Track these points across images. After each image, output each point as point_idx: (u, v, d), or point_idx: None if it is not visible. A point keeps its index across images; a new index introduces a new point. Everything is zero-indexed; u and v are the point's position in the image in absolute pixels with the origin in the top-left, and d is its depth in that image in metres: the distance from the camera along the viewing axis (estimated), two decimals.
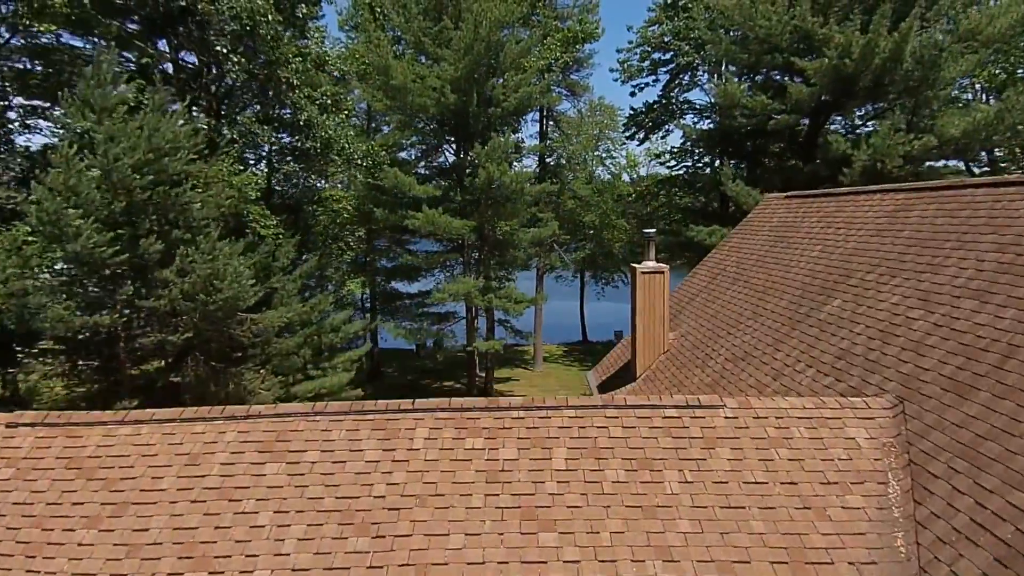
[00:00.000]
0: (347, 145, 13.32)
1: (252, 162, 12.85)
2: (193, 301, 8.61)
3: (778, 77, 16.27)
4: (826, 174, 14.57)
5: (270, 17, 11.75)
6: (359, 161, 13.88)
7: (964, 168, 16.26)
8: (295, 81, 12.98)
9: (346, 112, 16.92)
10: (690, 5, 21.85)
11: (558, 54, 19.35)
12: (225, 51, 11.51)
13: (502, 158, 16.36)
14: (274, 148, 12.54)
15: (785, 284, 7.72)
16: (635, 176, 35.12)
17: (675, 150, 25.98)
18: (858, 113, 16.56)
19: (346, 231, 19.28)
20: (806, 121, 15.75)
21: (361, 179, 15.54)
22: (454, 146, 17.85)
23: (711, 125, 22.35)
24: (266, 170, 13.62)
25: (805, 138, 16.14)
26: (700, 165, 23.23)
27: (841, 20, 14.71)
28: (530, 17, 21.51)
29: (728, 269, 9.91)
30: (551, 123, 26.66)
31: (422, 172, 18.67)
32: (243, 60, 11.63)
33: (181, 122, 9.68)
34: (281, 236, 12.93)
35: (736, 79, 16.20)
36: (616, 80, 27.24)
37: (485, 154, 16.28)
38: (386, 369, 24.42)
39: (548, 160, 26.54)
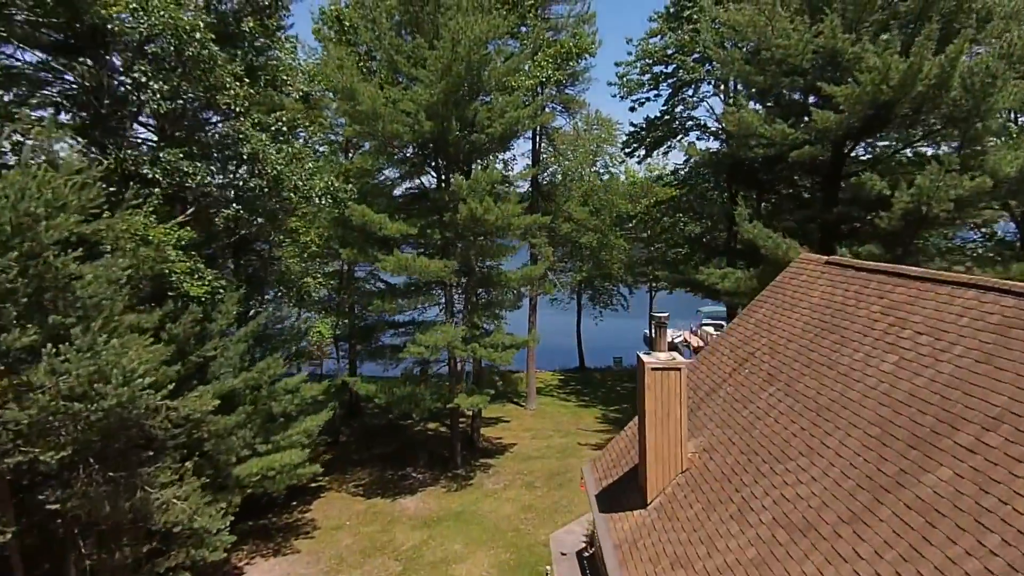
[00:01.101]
0: (300, 182, 11.32)
1: (189, 205, 10.81)
2: (69, 408, 6.60)
3: (798, 96, 14.40)
4: (858, 215, 12.71)
5: (199, 35, 9.76)
6: (317, 199, 11.88)
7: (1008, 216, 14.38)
8: (238, 107, 10.99)
9: (305, 139, 14.94)
10: (695, 16, 20.06)
11: (550, 72, 17.45)
12: (144, 78, 9.52)
13: (486, 191, 14.41)
14: (208, 187, 10.49)
15: (850, 410, 5.73)
16: (634, 191, 33.36)
17: (678, 171, 24.18)
18: (882, 137, 14.71)
19: (315, 264, 17.23)
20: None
21: (325, 215, 13.51)
22: (434, 173, 15.87)
23: (719, 146, 20.55)
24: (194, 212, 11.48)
25: (829, 169, 14.28)
26: (707, 187, 21.40)
27: (874, 37, 12.88)
28: (519, 29, 19.65)
29: (759, 354, 7.96)
30: (544, 140, 24.77)
31: (399, 197, 16.69)
32: (165, 87, 9.63)
33: (78, 170, 7.69)
34: (222, 291, 10.91)
35: (750, 103, 14.30)
36: (614, 96, 24.90)
37: (467, 187, 14.33)
38: (366, 405, 22.34)
39: (542, 180, 24.64)
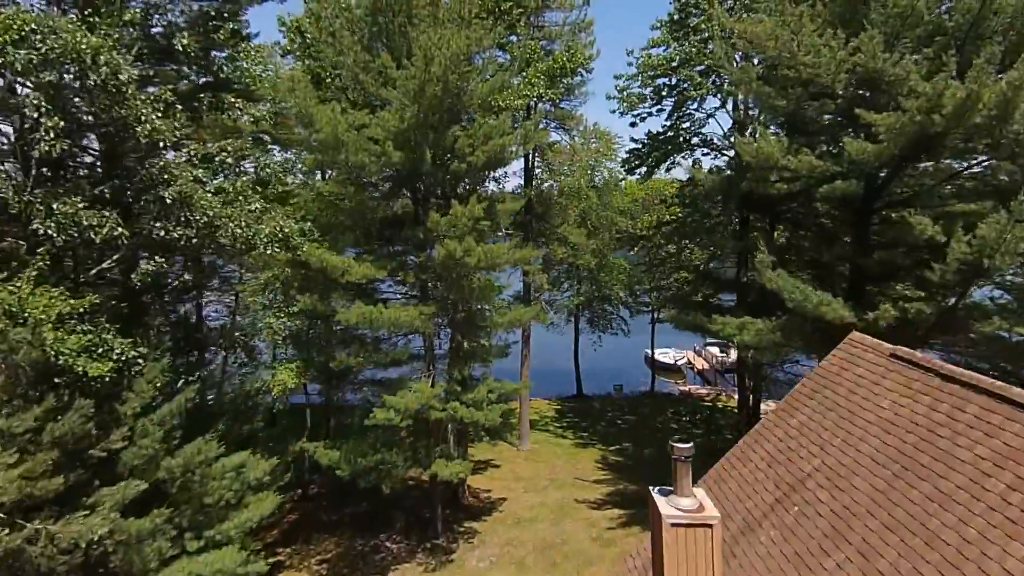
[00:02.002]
0: (240, 229, 9.40)
1: (92, 264, 8.88)
2: None
3: (828, 122, 12.53)
4: (902, 263, 10.86)
5: (103, 59, 7.86)
6: (263, 248, 9.95)
7: None
8: (163, 141, 9.08)
9: (259, 168, 13.04)
10: (703, 26, 18.26)
11: (542, 90, 15.58)
12: (37, 113, 7.64)
13: (467, 229, 12.51)
14: (119, 239, 8.54)
15: None
16: (635, 208, 31.49)
17: (683, 190, 22.31)
18: (924, 172, 12.86)
19: (278, 303, 15.28)
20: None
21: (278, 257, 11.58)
22: (411, 203, 13.96)
23: (727, 162, 18.72)
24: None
25: (860, 203, 12.42)
26: (715, 214, 19.58)
27: (918, 55, 11.05)
28: (508, 39, 17.79)
29: (812, 484, 5.89)
30: (538, 157, 22.92)
31: (379, 222, 14.73)
32: (60, 122, 7.74)
33: None
34: (140, 362, 8.98)
35: (768, 128, 12.42)
36: (614, 112, 23.11)
37: (445, 224, 12.42)
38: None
39: (535, 200, 22.75)
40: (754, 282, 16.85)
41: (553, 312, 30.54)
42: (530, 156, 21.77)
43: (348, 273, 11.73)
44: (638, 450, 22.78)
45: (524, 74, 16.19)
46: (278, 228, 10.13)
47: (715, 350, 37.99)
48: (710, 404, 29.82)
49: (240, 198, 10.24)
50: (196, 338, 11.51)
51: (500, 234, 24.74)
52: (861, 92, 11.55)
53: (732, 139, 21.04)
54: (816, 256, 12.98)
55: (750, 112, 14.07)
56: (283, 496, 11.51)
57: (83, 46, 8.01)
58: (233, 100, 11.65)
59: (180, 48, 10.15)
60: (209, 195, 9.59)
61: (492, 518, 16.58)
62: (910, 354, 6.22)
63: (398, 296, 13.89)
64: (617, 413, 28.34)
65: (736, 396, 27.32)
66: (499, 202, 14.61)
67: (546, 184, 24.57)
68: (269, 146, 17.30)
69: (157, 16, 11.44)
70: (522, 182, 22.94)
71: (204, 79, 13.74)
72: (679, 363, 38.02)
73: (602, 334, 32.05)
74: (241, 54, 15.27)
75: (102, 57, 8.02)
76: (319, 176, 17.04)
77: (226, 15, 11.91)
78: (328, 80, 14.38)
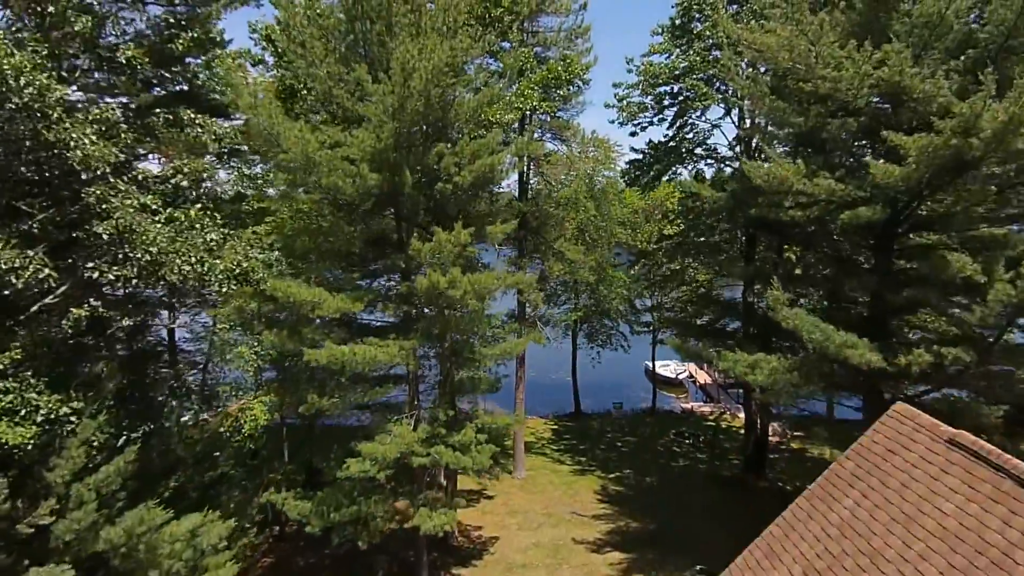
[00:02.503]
0: (189, 266, 8.29)
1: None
2: None
3: (848, 141, 11.44)
4: (935, 302, 9.77)
5: (24, 80, 6.78)
6: (218, 285, 8.84)
7: None
8: (102, 168, 7.98)
9: (232, 183, 11.92)
10: (707, 33, 17.20)
11: (536, 102, 14.49)
12: None
13: (452, 257, 11.40)
14: (45, 281, 7.43)
15: None
16: (635, 219, 30.41)
17: (685, 208, 21.22)
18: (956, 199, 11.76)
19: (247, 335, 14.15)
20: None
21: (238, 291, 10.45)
22: (394, 226, 12.83)
23: (735, 183, 17.59)
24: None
25: (882, 229, 11.34)
26: (720, 229, 18.48)
27: (947, 70, 9.97)
28: (499, 46, 16.67)
29: None
30: (533, 168, 21.81)
31: (359, 247, 13.61)
32: None
33: None
34: (72, 421, 7.86)
35: (779, 148, 11.33)
36: (613, 122, 22.08)
37: (428, 252, 11.31)
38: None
39: (529, 215, 21.64)
40: (761, 308, 15.82)
41: (550, 327, 29.45)
42: (525, 168, 20.69)
43: (320, 308, 10.60)
44: (639, 478, 21.63)
45: (516, 85, 15.12)
46: (235, 263, 9.00)
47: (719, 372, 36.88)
48: (713, 423, 28.69)
49: (196, 227, 9.13)
50: (148, 382, 10.39)
51: (490, 249, 23.78)
52: (885, 108, 10.47)
53: (738, 149, 20.03)
54: (834, 287, 11.87)
55: (757, 122, 12.97)
56: (258, 538, 10.33)
57: (4, 66, 6.94)
58: (193, 116, 10.55)
59: (124, 61, 9.05)
60: (157, 226, 8.48)
61: (483, 562, 15.40)
62: (973, 443, 5.11)
63: (378, 323, 12.76)
64: (617, 434, 27.18)
65: (741, 415, 26.21)
66: (489, 222, 13.50)
67: (542, 196, 23.48)
68: (249, 156, 16.24)
69: (110, 25, 10.41)
70: (516, 194, 21.88)
71: (179, 87, 12.78)
72: (680, 377, 36.87)
73: (601, 349, 30.92)
74: (216, 62, 14.24)
75: (23, 78, 6.94)
76: (301, 190, 15.94)
77: (184, 23, 10.85)
78: (304, 92, 13.31)
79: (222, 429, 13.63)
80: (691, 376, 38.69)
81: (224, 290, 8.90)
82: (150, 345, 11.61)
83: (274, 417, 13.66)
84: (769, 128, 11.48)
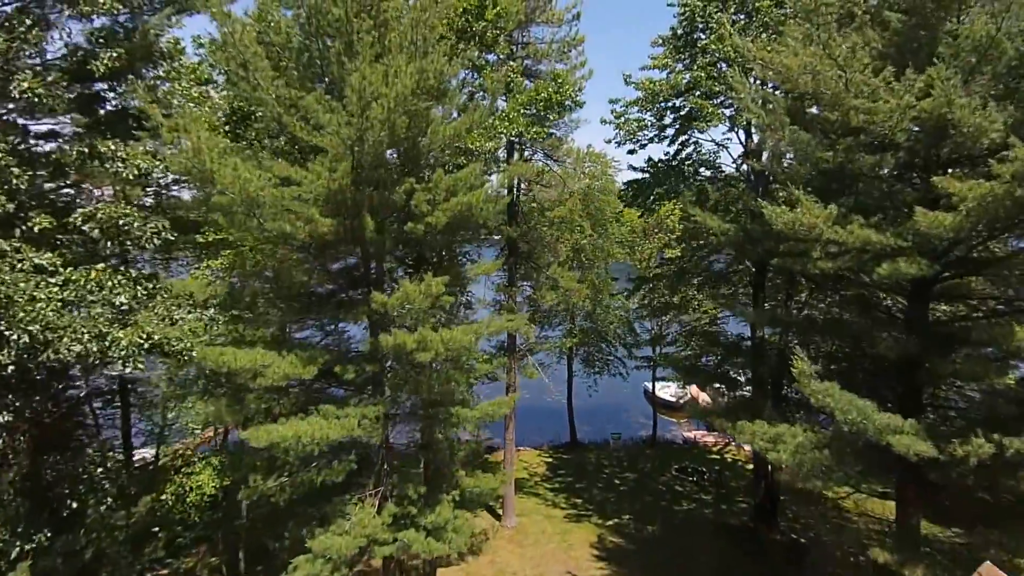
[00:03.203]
0: (80, 345, 6.68)
1: None
2: None
3: (885, 181, 9.86)
4: (991, 376, 8.19)
5: None
6: (122, 365, 7.24)
7: None
8: None
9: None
10: (712, 47, 15.71)
11: (522, 127, 12.94)
12: None
13: (422, 311, 9.81)
14: None
15: None
16: (633, 239, 28.90)
17: (688, 235, 19.69)
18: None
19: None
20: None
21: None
22: (355, 268, 11.21)
23: (746, 216, 16.08)
24: None
25: (913, 289, 9.78)
26: (730, 264, 16.95)
27: (999, 100, 8.46)
28: (484, 59, 15.07)
29: None
30: (524, 190, 20.25)
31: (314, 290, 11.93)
32: None
33: None
34: None
35: (798, 185, 9.74)
36: (609, 141, 20.55)
37: (395, 304, 9.71)
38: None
39: (518, 239, 20.07)
40: (772, 353, 14.26)
41: (544, 352, 27.82)
42: (515, 190, 19.14)
43: (263, 375, 8.95)
44: (639, 526, 19.93)
45: (504, 102, 13.57)
46: (146, 335, 7.37)
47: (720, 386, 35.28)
48: (718, 456, 27.06)
49: (102, 288, 7.53)
50: (60, 466, 8.71)
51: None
52: (926, 142, 8.93)
53: (744, 167, 18.53)
54: (858, 338, 10.27)
55: (772, 151, 11.47)
56: None
57: None
58: (111, 148, 8.96)
59: (16, 95, 7.49)
60: (48, 294, 6.88)
61: None
62: None
63: (337, 389, 11.11)
64: (615, 469, 25.47)
65: (747, 447, 24.62)
66: (469, 266, 11.92)
67: (533, 217, 21.91)
68: None
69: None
70: (506, 218, 20.30)
71: (131, 104, 11.31)
72: (682, 401, 35.25)
73: (598, 376, 29.25)
74: (172, 75, 12.73)
75: None
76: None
77: (126, 35, 9.33)
78: (258, 115, 11.75)
79: (164, 496, 11.94)
80: (695, 399, 37.09)
81: (130, 370, 7.26)
82: (65, 409, 9.95)
83: (223, 484, 11.99)
84: (788, 162, 9.94)
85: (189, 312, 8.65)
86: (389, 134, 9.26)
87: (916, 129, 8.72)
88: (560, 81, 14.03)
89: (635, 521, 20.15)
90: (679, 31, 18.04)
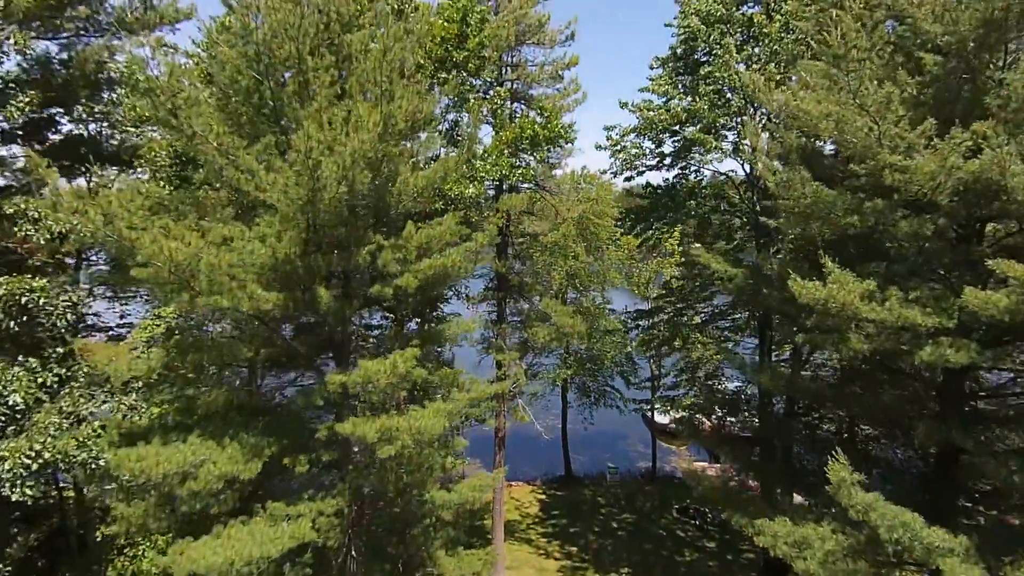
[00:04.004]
0: None
1: None
2: None
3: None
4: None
5: None
6: (8, 490, 5.87)
7: None
8: None
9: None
10: (716, 75, 14.46)
11: (505, 169, 11.65)
12: None
13: (389, 393, 8.47)
14: None
15: None
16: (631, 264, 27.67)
17: (688, 273, 18.46)
18: None
19: None
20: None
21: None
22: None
23: (751, 260, 14.83)
24: None
25: (943, 379, 8.50)
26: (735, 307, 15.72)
27: None
28: (470, 85, 13.73)
29: None
30: (512, 224, 18.96)
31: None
32: None
33: None
34: None
35: (828, 254, 8.44)
36: (605, 172, 19.33)
37: (357, 383, 8.37)
38: None
39: (508, 273, 18.77)
40: (779, 413, 12.99)
41: (537, 381, 26.45)
42: (505, 221, 17.84)
43: (195, 479, 7.59)
44: None
45: (496, 141, 12.28)
46: (35, 451, 6.01)
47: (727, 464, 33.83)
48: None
49: None
50: None
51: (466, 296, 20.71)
52: (971, 206, 7.68)
53: (750, 196, 17.31)
54: (893, 432, 8.99)
55: (781, 203, 10.14)
56: None
57: None
58: (22, 205, 7.62)
59: None
60: None
61: None
62: None
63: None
64: (613, 510, 24.09)
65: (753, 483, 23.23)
66: (446, 324, 10.59)
67: (524, 246, 20.62)
68: None
69: None
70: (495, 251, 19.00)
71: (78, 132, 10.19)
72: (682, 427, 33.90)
73: (594, 407, 27.87)
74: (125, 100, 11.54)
75: None
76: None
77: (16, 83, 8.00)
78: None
79: None
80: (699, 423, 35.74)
81: (16, 497, 5.88)
82: None
83: None
84: (809, 223, 8.64)
85: (105, 401, 7.29)
86: (349, 190, 7.95)
87: (962, 196, 7.47)
88: (547, 116, 12.72)
89: (641, 567, 18.80)
90: (678, 51, 16.87)
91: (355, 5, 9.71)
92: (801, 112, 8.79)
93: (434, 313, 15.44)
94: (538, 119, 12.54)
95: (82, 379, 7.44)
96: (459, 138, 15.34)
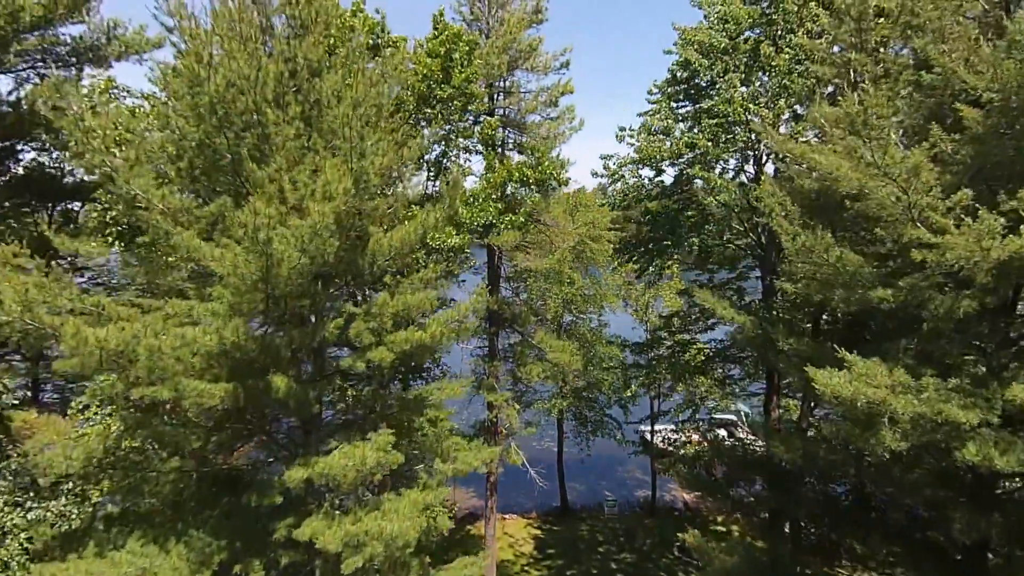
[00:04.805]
0: None
1: None
2: None
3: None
4: None
5: None
6: None
7: None
8: None
9: None
10: (718, 109, 13.56)
11: (493, 215, 10.71)
12: None
13: (353, 487, 7.48)
14: None
15: None
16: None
17: (687, 310, 17.58)
18: None
19: None
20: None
21: None
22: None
23: (761, 305, 13.93)
24: None
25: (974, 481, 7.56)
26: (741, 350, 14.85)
27: None
28: (453, 126, 12.71)
29: None
30: (504, 259, 18.06)
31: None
32: None
33: None
34: None
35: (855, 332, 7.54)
36: (603, 204, 18.47)
37: (320, 476, 7.38)
38: None
39: (500, 306, 17.81)
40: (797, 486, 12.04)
41: (530, 412, 25.44)
42: (495, 256, 16.91)
43: None
44: None
45: (485, 177, 11.36)
46: None
47: (723, 432, 32.82)
48: (723, 528, 24.74)
49: None
50: None
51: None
52: (1012, 284, 6.81)
53: (758, 232, 16.42)
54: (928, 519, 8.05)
55: (797, 266, 9.15)
56: None
57: None
58: None
59: None
60: None
61: None
62: None
63: None
64: (611, 548, 23.05)
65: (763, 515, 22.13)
66: (430, 389, 9.59)
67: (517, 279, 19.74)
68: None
69: None
70: (486, 282, 18.05)
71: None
72: (681, 452, 32.85)
73: (591, 437, 26.83)
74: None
75: None
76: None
77: None
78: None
79: None
80: (699, 445, 34.62)
81: None
82: None
83: None
84: (832, 290, 7.74)
85: (31, 508, 6.31)
86: (312, 261, 7.01)
87: (1002, 276, 6.58)
88: (538, 155, 11.81)
89: None
90: (678, 74, 16.00)
91: (327, 43, 8.81)
92: (816, 165, 7.93)
93: (419, 376, 14.41)
94: (529, 159, 11.58)
95: (9, 478, 6.44)
96: (446, 169, 14.47)
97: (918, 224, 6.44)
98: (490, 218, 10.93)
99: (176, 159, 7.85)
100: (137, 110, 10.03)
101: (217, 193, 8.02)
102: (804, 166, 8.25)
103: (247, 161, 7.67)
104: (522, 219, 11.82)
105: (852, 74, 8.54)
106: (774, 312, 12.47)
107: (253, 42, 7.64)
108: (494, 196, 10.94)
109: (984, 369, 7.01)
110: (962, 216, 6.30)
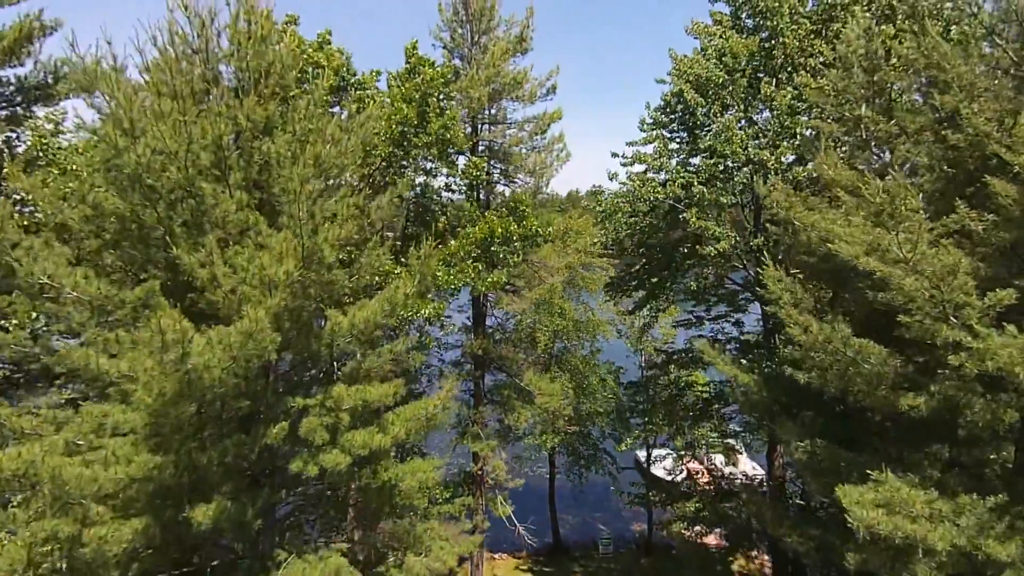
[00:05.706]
0: None
1: None
2: None
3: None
4: None
5: None
6: None
7: None
8: None
9: None
10: (717, 147, 12.69)
11: (472, 277, 9.74)
12: None
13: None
14: None
15: None
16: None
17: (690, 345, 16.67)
18: None
19: None
20: None
21: None
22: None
23: (765, 355, 13.05)
24: None
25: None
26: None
27: None
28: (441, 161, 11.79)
29: None
30: (491, 303, 17.07)
31: None
32: None
33: None
34: None
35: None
36: (596, 242, 17.52)
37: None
38: None
39: (487, 347, 16.77)
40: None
41: (520, 447, 24.36)
42: (480, 299, 15.88)
43: None
44: None
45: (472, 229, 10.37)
46: None
47: (720, 459, 31.65)
48: (721, 568, 23.69)
49: None
50: None
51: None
52: None
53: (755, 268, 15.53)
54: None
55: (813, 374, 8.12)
56: None
57: None
58: None
59: None
60: None
61: None
62: None
63: None
64: None
65: (767, 557, 19.90)
66: (397, 494, 8.49)
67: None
68: None
69: None
70: (470, 321, 17.05)
71: None
72: (679, 479, 31.61)
73: (584, 472, 25.73)
74: None
75: None
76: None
77: None
78: None
79: None
80: (689, 477, 33.32)
81: None
82: None
83: None
84: (852, 382, 6.78)
85: None
86: (246, 364, 5.99)
87: None
88: (523, 210, 10.86)
89: None
90: (672, 101, 15.11)
91: (281, 95, 7.83)
92: (828, 233, 7.05)
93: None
94: (507, 223, 10.52)
95: None
96: (426, 202, 13.47)
97: (953, 325, 5.54)
98: (469, 280, 9.94)
99: (95, 235, 6.82)
100: (70, 168, 8.98)
101: (149, 270, 7.00)
102: (814, 234, 7.34)
103: (179, 243, 6.63)
104: (505, 278, 10.84)
105: (864, 132, 7.67)
106: (778, 363, 11.59)
107: (188, 101, 6.66)
108: (474, 255, 9.96)
109: None
110: (1003, 323, 5.40)
